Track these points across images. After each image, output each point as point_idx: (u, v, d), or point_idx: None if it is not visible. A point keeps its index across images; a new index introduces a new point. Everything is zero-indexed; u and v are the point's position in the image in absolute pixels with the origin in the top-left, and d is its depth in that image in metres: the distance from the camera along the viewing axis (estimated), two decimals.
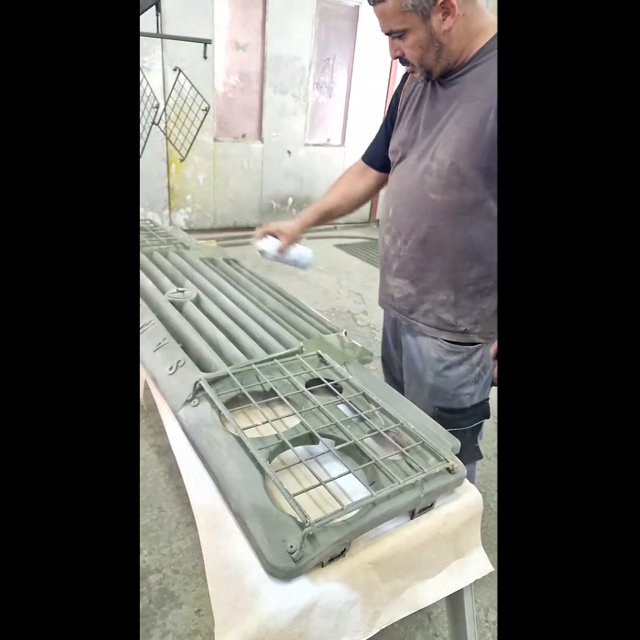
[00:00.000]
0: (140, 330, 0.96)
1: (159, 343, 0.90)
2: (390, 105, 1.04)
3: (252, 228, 4.72)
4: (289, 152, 4.67)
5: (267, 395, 0.78)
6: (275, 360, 0.85)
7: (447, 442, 0.73)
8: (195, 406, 0.75)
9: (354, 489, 0.66)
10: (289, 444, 0.66)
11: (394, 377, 1.18)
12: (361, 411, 0.77)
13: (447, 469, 0.67)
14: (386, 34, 0.82)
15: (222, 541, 0.60)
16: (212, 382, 0.78)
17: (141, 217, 3.91)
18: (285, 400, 0.75)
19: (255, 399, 0.76)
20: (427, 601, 0.63)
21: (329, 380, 0.83)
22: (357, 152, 5.70)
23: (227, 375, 0.79)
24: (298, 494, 0.58)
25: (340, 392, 0.82)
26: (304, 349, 0.92)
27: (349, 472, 0.63)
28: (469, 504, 0.68)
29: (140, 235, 1.48)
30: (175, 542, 1.41)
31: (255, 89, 4.31)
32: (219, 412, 0.73)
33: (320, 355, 0.90)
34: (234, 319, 1.02)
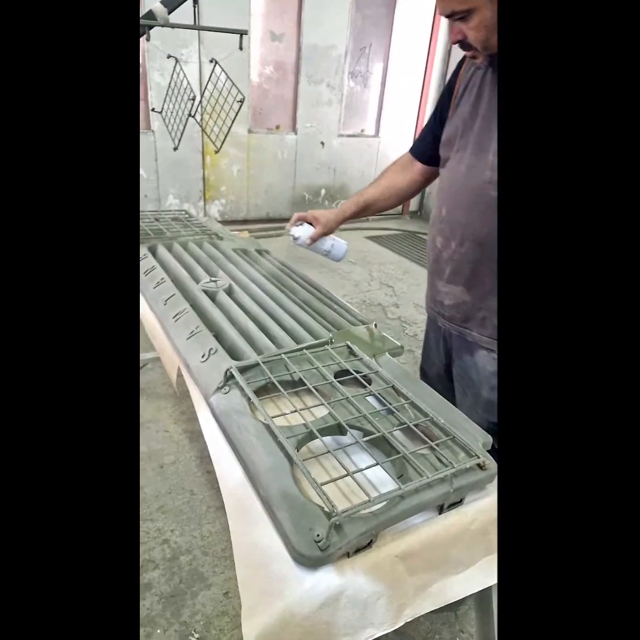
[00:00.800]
0: (175, 318, 0.98)
1: (192, 331, 0.92)
2: (441, 95, 0.99)
3: (285, 219, 4.74)
4: (322, 143, 4.65)
5: (295, 385, 0.79)
6: (304, 350, 0.85)
7: (478, 438, 0.71)
8: (226, 393, 0.77)
9: (382, 481, 0.65)
10: (317, 434, 0.66)
11: (434, 387, 1.11)
12: (390, 404, 0.76)
13: (478, 465, 0.65)
14: (447, 17, 0.77)
15: (250, 527, 0.61)
16: (243, 370, 0.79)
17: (177, 208, 3.97)
18: (313, 390, 0.75)
19: (284, 388, 0.76)
20: (455, 597, 0.63)
21: (358, 372, 0.82)
22: (392, 142, 5.58)
23: (257, 364, 0.79)
24: (325, 483, 0.58)
25: (370, 384, 0.81)
26: (333, 340, 0.92)
27: (377, 464, 0.62)
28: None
29: (176, 226, 1.51)
30: (205, 525, 1.45)
31: (290, 80, 4.30)
32: (249, 399, 0.74)
33: (349, 347, 0.89)
34: (265, 309, 1.03)
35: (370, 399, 0.78)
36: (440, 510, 0.64)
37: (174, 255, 1.30)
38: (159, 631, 1.16)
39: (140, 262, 1.25)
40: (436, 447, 0.67)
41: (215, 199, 4.35)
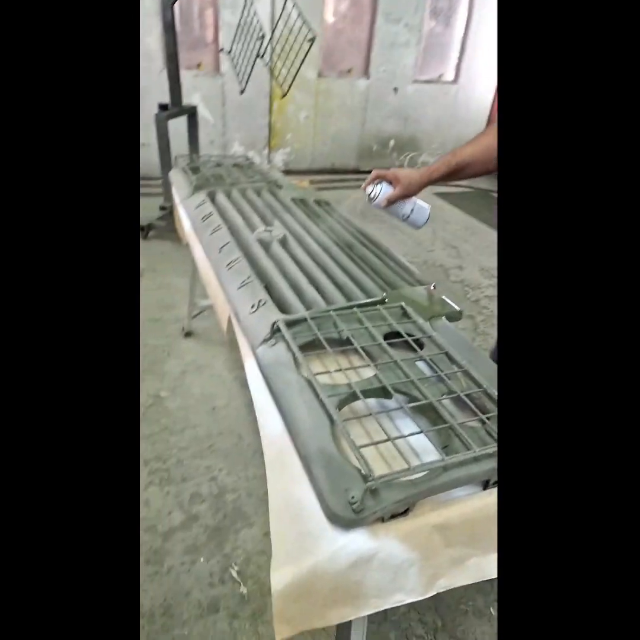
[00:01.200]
0: (228, 267, 0.98)
1: (243, 281, 0.91)
2: None
3: (349, 171, 4.59)
4: (395, 89, 4.39)
5: (343, 344, 0.76)
6: (354, 308, 0.82)
7: None
8: (272, 346, 0.76)
9: (425, 449, 0.63)
10: (360, 395, 0.64)
11: None
12: (442, 371, 0.72)
13: None
14: None
15: (287, 480, 0.61)
16: (290, 324, 0.77)
17: (241, 154, 3.93)
18: (360, 350, 0.72)
19: (331, 346, 0.74)
20: (492, 574, 0.60)
21: (409, 335, 0.78)
22: (473, 90, 5.17)
23: (305, 319, 0.77)
24: (364, 446, 0.56)
25: (421, 349, 0.77)
26: (386, 300, 0.88)
27: (421, 432, 0.59)
28: None
29: (237, 172, 1.48)
30: (250, 468, 1.51)
31: (365, 19, 4.03)
32: (294, 354, 0.72)
33: (403, 308, 0.85)
34: (318, 263, 1.00)
35: (420, 364, 0.74)
36: (485, 485, 0.61)
37: (232, 203, 1.28)
38: (202, 559, 1.24)
39: (199, 208, 1.24)
40: (487, 421, 0.63)
41: (280, 147, 4.28)
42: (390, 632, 1.14)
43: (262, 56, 2.41)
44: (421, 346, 0.79)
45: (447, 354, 0.75)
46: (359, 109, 4.35)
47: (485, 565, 0.60)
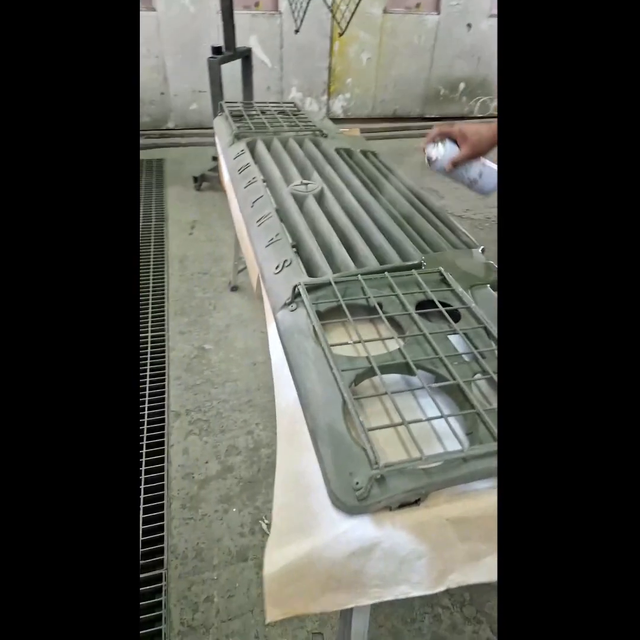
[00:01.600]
0: (259, 223, 0.93)
1: (271, 239, 0.86)
2: None
3: (413, 119, 4.30)
4: (469, 25, 3.98)
5: (371, 312, 0.70)
6: (386, 272, 0.74)
7: None
8: (293, 311, 0.71)
9: (448, 433, 0.57)
10: (377, 370, 0.58)
11: None
12: (477, 348, 0.65)
13: None
14: None
15: (296, 453, 0.58)
16: (312, 288, 0.72)
17: (299, 102, 3.78)
18: (385, 320, 0.66)
19: (359, 314, 0.68)
20: None
21: (446, 305, 0.71)
22: None
23: (329, 283, 0.72)
24: (374, 429, 0.51)
25: (458, 321, 0.70)
26: (425, 264, 0.80)
27: (442, 416, 0.53)
28: None
29: (280, 120, 1.40)
30: None
31: None
32: (312, 321, 0.68)
33: (442, 274, 0.77)
34: (354, 221, 0.92)
35: (454, 338, 0.67)
36: None
37: (272, 153, 1.21)
38: (234, 509, 1.28)
39: (237, 158, 1.19)
40: None
41: (340, 93, 4.06)
42: (415, 600, 1.13)
43: None
44: (458, 318, 0.71)
45: (485, 328, 0.67)
46: (427, 49, 4.00)
47: None
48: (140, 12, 3.29)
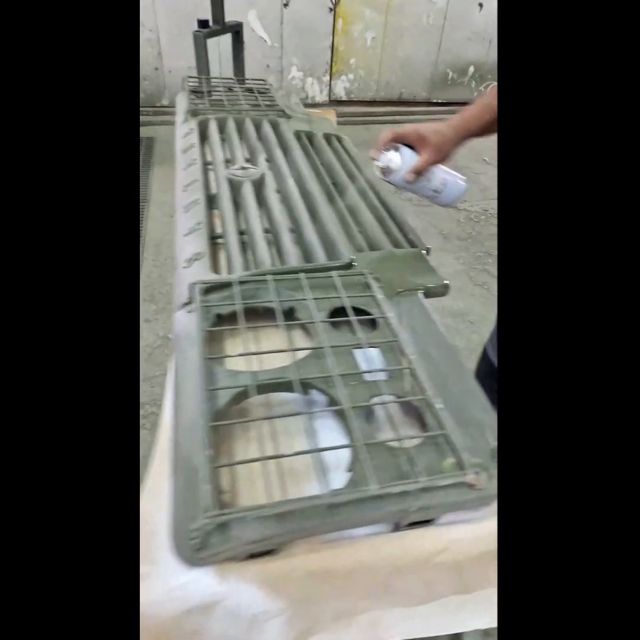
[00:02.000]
0: (185, 209, 0.85)
1: (191, 228, 0.78)
2: None
3: (419, 103, 4.14)
4: (480, 5, 3.79)
5: (286, 318, 0.62)
6: (301, 273, 0.66)
7: (489, 441, 0.50)
8: (189, 312, 0.63)
9: (339, 464, 0.49)
10: (252, 389, 0.50)
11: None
12: (388, 365, 0.56)
13: (466, 483, 0.45)
14: None
15: (161, 481, 0.51)
16: (217, 288, 0.64)
17: (299, 82, 3.62)
18: (283, 327, 0.58)
19: (270, 319, 0.60)
20: (394, 635, 0.48)
21: (360, 313, 0.62)
22: None
23: (230, 284, 0.63)
24: (222, 466, 0.44)
25: (375, 329, 0.62)
26: (355, 264, 0.71)
27: (310, 451, 0.45)
28: (490, 532, 0.47)
29: (243, 99, 1.30)
30: None
31: None
32: (210, 325, 0.60)
33: (365, 277, 0.68)
34: (289, 213, 0.84)
35: (361, 353, 0.59)
36: (396, 526, 0.47)
37: (224, 134, 1.12)
38: None
39: (185, 137, 1.10)
40: (411, 444, 0.47)
41: (343, 74, 3.91)
42: None
43: None
44: (376, 328, 0.63)
45: (397, 342, 0.58)
46: (436, 29, 3.81)
47: (382, 624, 0.48)
48: None
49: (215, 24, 2.38)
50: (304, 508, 0.42)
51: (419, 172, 0.77)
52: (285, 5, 2.18)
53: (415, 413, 0.54)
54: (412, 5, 3.67)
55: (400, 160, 0.77)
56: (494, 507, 0.47)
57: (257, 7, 3.39)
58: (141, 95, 3.49)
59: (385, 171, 0.80)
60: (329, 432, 0.53)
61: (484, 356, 1.12)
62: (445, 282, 0.72)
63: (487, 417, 0.53)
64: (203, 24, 2.30)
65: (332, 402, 0.52)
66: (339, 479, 0.47)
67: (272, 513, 0.41)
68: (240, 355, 0.55)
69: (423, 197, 0.86)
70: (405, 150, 0.78)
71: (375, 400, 0.52)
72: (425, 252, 0.79)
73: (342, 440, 0.51)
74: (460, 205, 2.76)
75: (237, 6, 3.30)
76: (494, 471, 0.47)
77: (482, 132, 0.77)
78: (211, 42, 2.38)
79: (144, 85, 3.47)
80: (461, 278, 2.22)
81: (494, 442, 0.50)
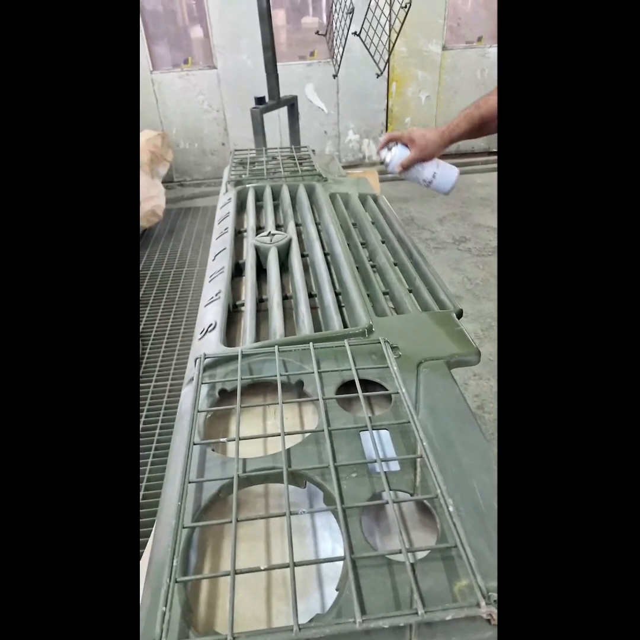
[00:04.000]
0: (210, 278, 0.85)
1: (211, 298, 0.77)
2: None
3: (477, 154, 4.10)
4: None
5: (298, 393, 0.58)
6: (310, 343, 0.61)
7: None
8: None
9: (333, 575, 0.42)
10: (234, 485, 0.45)
11: None
12: (397, 452, 0.49)
13: (481, 616, 0.36)
14: None
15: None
16: (221, 361, 0.61)
17: (356, 144, 3.73)
18: (281, 407, 0.53)
19: (275, 393, 0.56)
20: None
21: (376, 387, 0.56)
22: None
23: (234, 357, 0.60)
24: (186, 580, 0.38)
25: (391, 405, 0.55)
26: (373, 331, 0.66)
27: (287, 566, 0.39)
28: None
29: (282, 166, 1.34)
30: None
31: None
32: (211, 403, 0.57)
33: (381, 345, 0.62)
34: (311, 278, 0.81)
35: (370, 435, 0.52)
36: None
37: (261, 202, 1.15)
38: None
39: (223, 208, 1.13)
40: (415, 559, 0.39)
41: None
42: None
43: (359, 34, 2.20)
44: (390, 402, 0.56)
45: (411, 424, 0.51)
46: (490, 82, 3.82)
47: None
48: (203, 71, 3.52)
49: (271, 100, 2.55)
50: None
51: (405, 166, 0.97)
52: (334, 76, 2.28)
53: (431, 511, 0.46)
54: (465, 62, 3.73)
55: (393, 155, 0.98)
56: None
57: (313, 80, 3.61)
58: (208, 168, 3.78)
59: (384, 163, 1.00)
60: (330, 532, 0.46)
61: None
62: (476, 348, 0.64)
63: None
64: (260, 100, 2.47)
65: (328, 497, 0.45)
66: (330, 591, 0.40)
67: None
68: (230, 440, 0.50)
69: (421, 185, 1.01)
70: (398, 148, 0.97)
71: (383, 495, 0.45)
72: (456, 315, 0.72)
73: (340, 544, 0.44)
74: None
75: (296, 79, 3.54)
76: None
77: (462, 137, 0.95)
78: (273, 115, 2.54)
79: (212, 159, 3.76)
80: None
81: None
